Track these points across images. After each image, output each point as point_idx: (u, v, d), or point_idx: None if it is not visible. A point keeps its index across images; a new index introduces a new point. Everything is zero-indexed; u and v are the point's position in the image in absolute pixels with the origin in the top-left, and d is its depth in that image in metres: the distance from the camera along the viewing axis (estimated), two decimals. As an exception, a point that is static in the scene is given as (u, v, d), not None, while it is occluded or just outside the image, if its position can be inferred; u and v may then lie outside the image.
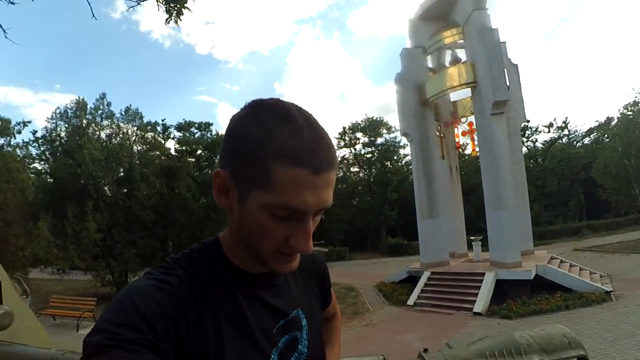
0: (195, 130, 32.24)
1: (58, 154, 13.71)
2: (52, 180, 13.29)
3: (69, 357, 1.14)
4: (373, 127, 32.61)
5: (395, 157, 33.80)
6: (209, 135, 31.96)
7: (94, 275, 12.12)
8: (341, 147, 34.28)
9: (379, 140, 33.39)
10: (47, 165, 15.37)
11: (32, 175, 16.81)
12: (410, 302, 10.39)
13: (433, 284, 10.96)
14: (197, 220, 14.58)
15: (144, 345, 0.42)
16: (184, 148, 28.24)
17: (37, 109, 57.99)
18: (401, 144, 32.12)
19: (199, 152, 29.09)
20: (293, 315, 0.65)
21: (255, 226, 0.52)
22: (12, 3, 5.08)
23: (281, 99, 0.55)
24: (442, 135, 15.12)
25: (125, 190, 14.08)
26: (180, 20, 5.59)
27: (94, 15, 5.13)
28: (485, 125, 11.44)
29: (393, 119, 38.62)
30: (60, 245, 10.26)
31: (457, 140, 16.09)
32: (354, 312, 10.44)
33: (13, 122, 17.31)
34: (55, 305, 9.46)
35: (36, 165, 18.52)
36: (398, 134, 27.48)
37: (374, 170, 33.60)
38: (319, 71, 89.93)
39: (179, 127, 31.87)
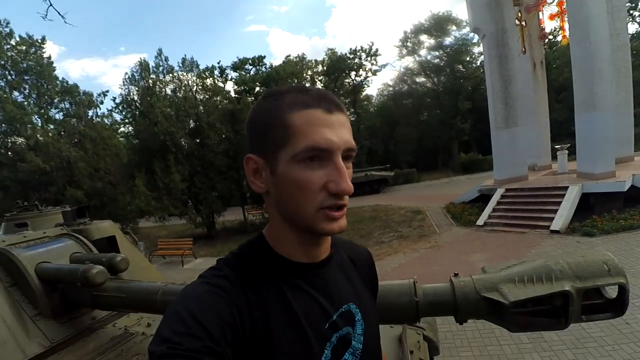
0: (250, 67, 32.40)
1: (136, 116, 15.37)
2: (137, 141, 15.12)
3: (171, 287, 1.52)
4: (439, 25, 28.43)
5: (467, 58, 29.65)
6: (263, 69, 31.94)
7: (187, 219, 14.29)
8: (403, 57, 31.18)
9: (447, 41, 29.30)
10: (131, 128, 17.49)
11: (122, 139, 19.47)
12: (480, 222, 9.99)
13: (507, 201, 10.21)
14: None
15: (205, 352, 0.44)
16: (242, 88, 28.90)
17: (110, 75, 63.51)
18: (474, 40, 27.71)
19: (257, 89, 29.57)
20: (344, 309, 0.64)
21: (292, 187, 0.53)
22: None
23: None
24: (523, 23, 12.54)
25: (197, 141, 15.36)
26: None
27: None
28: (578, 1, 9.02)
29: (463, 11, 32.97)
30: (155, 197, 12.19)
31: (542, 27, 13.26)
32: (419, 234, 10.56)
33: (95, 94, 19.57)
34: (162, 247, 11.44)
35: (122, 129, 21.31)
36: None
37: (442, 77, 30.28)
38: (373, -31, 78.26)
39: (235, 67, 32.32)
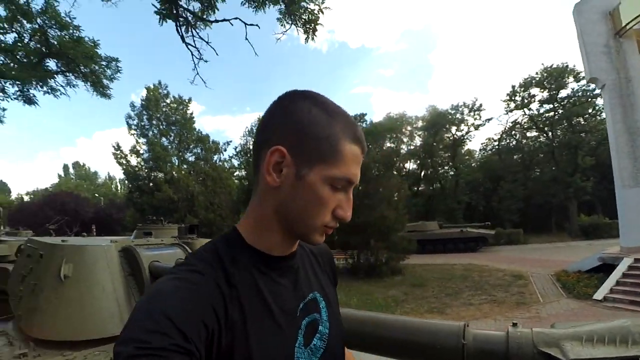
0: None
1: (249, 162, 18.09)
2: (247, 183, 17.58)
3: None
4: (554, 77, 26.25)
5: (590, 110, 26.19)
6: (364, 125, 33.85)
7: None
8: (511, 110, 29.31)
9: (563, 93, 26.61)
10: (244, 172, 20.47)
11: (236, 181, 22.96)
12: (599, 296, 8.28)
13: (635, 274, 8.33)
14: (354, 207, 16.04)
15: (174, 351, 0.42)
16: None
17: (236, 129, 76.03)
18: (597, 91, 24.51)
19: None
20: (310, 297, 0.67)
21: (315, 199, 0.56)
22: (206, 61, 7.41)
23: None
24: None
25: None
26: (316, 36, 6.72)
27: (256, 54, 7.00)
28: None
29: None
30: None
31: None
32: (517, 301, 9.22)
33: (221, 144, 23.92)
34: None
35: (237, 173, 25.18)
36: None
37: (558, 131, 27.15)
38: (477, 28, 78.27)
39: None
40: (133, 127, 23.97)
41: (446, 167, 33.48)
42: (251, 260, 0.60)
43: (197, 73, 7.61)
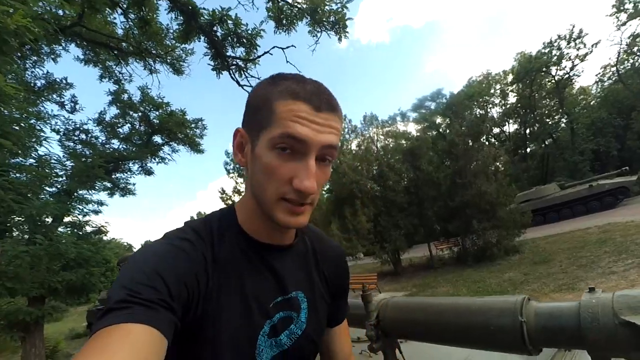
0: (429, 103, 32.73)
1: (331, 174, 18.79)
2: (332, 194, 18.24)
3: None
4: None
5: None
6: (443, 100, 31.53)
7: (374, 257, 15.49)
8: (623, 24, 23.61)
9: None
10: (328, 186, 21.53)
11: (325, 194, 24.15)
12: None
13: None
14: (445, 189, 15.13)
15: (161, 305, 0.46)
16: (423, 125, 29.43)
17: None
18: None
19: (438, 120, 29.27)
20: (292, 295, 0.66)
21: (262, 169, 0.55)
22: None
23: None
24: None
25: (380, 183, 16.94)
26: (347, 33, 6.96)
27: (299, 71, 7.71)
28: None
29: None
30: (346, 238, 14.21)
31: None
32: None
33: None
34: (352, 281, 12.93)
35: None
36: None
37: None
38: None
39: (415, 108, 33.52)
40: (230, 170, 27.42)
41: (555, 117, 28.51)
42: (237, 241, 0.61)
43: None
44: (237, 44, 6.90)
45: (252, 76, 7.66)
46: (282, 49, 7.10)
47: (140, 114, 11.89)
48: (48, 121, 9.05)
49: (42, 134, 7.79)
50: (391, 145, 19.96)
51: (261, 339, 0.61)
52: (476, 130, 15.90)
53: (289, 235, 0.67)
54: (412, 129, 28.63)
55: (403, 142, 19.81)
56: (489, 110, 29.71)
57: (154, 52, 9.85)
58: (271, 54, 7.15)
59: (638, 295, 0.67)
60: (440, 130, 27.30)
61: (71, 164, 8.36)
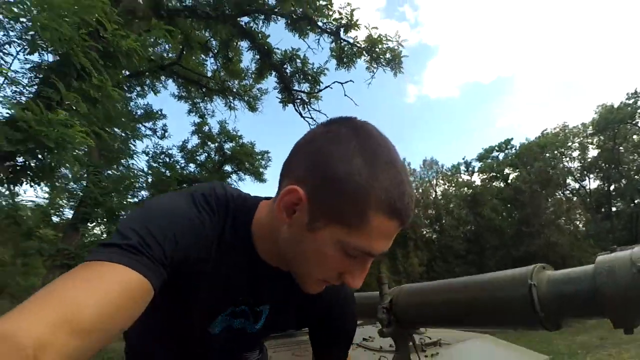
0: (497, 153, 31.28)
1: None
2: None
3: None
4: None
5: None
6: (511, 151, 29.95)
7: None
8: None
9: None
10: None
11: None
12: None
13: None
14: (509, 238, 13.99)
15: (162, 264, 0.48)
16: (488, 175, 28.04)
17: None
18: None
19: (506, 171, 27.63)
20: (259, 309, 0.69)
21: (317, 255, 0.51)
22: None
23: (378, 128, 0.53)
24: None
25: (436, 227, 16.31)
26: (402, 69, 7.44)
27: (356, 104, 8.49)
28: None
29: None
30: (396, 280, 13.65)
31: None
32: None
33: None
34: None
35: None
36: None
37: None
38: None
39: (480, 157, 32.30)
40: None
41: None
42: (241, 245, 0.60)
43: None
44: (303, 80, 7.81)
45: (314, 109, 8.49)
46: (342, 83, 7.87)
47: (216, 144, 13.50)
48: (140, 139, 10.78)
49: (133, 149, 9.46)
50: (451, 191, 19.33)
51: (221, 317, 0.67)
52: (545, 177, 14.80)
53: None
54: (477, 178, 27.45)
55: (465, 189, 19.11)
56: (565, 163, 27.33)
57: (234, 90, 11.42)
58: (331, 88, 7.93)
59: None
60: (509, 181, 25.69)
61: (151, 179, 9.78)
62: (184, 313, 0.64)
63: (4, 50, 3.44)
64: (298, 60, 7.52)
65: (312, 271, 0.55)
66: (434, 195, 18.38)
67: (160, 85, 11.63)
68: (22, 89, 3.75)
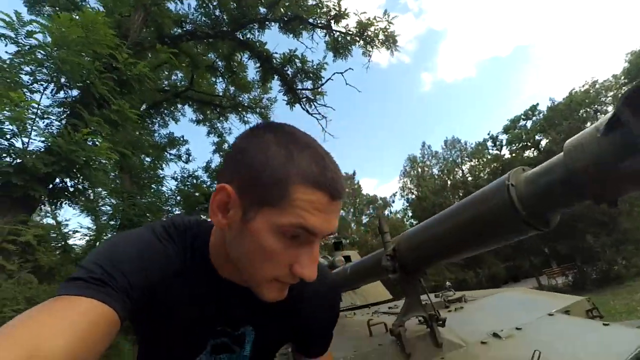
0: (523, 122, 29.89)
1: (412, 200, 18.50)
2: (416, 221, 17.74)
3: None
4: None
5: None
6: (536, 117, 28.54)
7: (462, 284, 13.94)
8: None
9: None
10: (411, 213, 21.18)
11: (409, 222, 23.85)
12: None
13: None
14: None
15: (126, 295, 0.49)
16: (517, 145, 26.85)
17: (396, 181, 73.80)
18: None
19: (536, 137, 26.31)
20: (240, 331, 0.68)
21: (259, 249, 0.51)
22: (330, 120, 9.38)
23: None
24: None
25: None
26: (398, 47, 7.58)
27: (359, 91, 8.46)
28: None
29: None
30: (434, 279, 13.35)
31: None
32: None
33: (387, 197, 25.52)
34: None
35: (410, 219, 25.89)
36: None
37: None
38: None
39: (506, 129, 30.95)
40: (318, 208, 28.90)
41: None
42: (204, 269, 0.61)
43: (324, 130, 9.56)
44: (305, 79, 8.09)
45: (320, 105, 8.73)
46: (341, 73, 8.04)
47: (236, 159, 14.07)
48: (166, 163, 11.52)
49: (162, 174, 10.16)
50: (480, 167, 18.77)
51: (204, 355, 0.66)
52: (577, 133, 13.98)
53: None
54: (506, 152, 26.37)
55: (494, 164, 18.48)
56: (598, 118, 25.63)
57: (245, 105, 11.95)
58: (332, 80, 8.14)
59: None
60: (540, 147, 24.43)
61: (179, 197, 10.47)
62: (167, 353, 0.65)
63: (32, 89, 3.91)
64: (297, 61, 7.81)
65: (261, 271, 0.53)
66: (460, 174, 17.91)
67: (179, 114, 12.42)
68: (52, 120, 4.24)
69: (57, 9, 7.37)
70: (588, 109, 25.71)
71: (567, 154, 0.68)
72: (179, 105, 11.77)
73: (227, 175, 0.54)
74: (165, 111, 11.76)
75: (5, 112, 3.45)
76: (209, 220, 0.63)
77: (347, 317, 2.32)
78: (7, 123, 3.55)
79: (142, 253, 0.54)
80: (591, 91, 27.57)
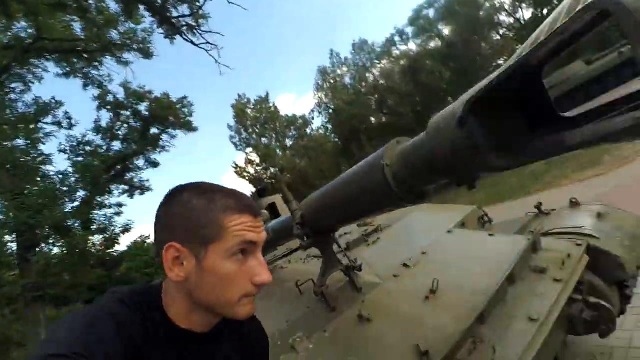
0: (427, 11, 30.00)
1: (331, 114, 18.70)
2: (336, 138, 18.18)
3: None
4: None
5: None
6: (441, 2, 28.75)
7: None
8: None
9: None
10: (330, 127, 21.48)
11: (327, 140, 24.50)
12: None
13: None
14: (450, 95, 14.36)
15: None
16: (422, 39, 27.39)
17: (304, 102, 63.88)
18: None
19: (440, 27, 26.97)
20: None
21: (221, 278, 0.59)
22: (221, 48, 8.28)
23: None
24: None
25: (384, 111, 16.45)
26: None
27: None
28: None
29: None
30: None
31: None
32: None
33: (306, 116, 24.83)
34: None
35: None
36: None
37: None
38: None
39: (411, 21, 30.91)
40: (237, 143, 27.67)
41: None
42: (163, 329, 0.62)
43: (218, 62, 8.56)
44: (179, 3, 6.69)
45: (206, 32, 7.52)
46: None
47: (130, 110, 12.18)
48: (44, 141, 9.57)
49: (45, 154, 8.52)
50: (389, 67, 18.88)
51: None
52: (473, 23, 14.55)
53: (218, 318, 0.67)
54: (414, 46, 26.79)
55: (402, 61, 18.63)
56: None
57: (119, 43, 9.84)
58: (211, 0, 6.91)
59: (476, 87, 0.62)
60: (444, 37, 25.22)
61: (76, 177, 9.07)
62: None
63: None
64: (162, -17, 6.29)
65: (231, 295, 0.60)
66: (372, 79, 18.02)
67: (40, 71, 9.86)
68: None
69: None
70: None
71: (429, 134, 0.70)
72: (36, 61, 9.30)
73: (167, 236, 0.60)
74: (21, 72, 9.25)
75: None
76: (156, 282, 0.69)
77: (282, 268, 2.36)
78: None
79: (101, 330, 0.54)
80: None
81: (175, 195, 0.63)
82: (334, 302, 1.54)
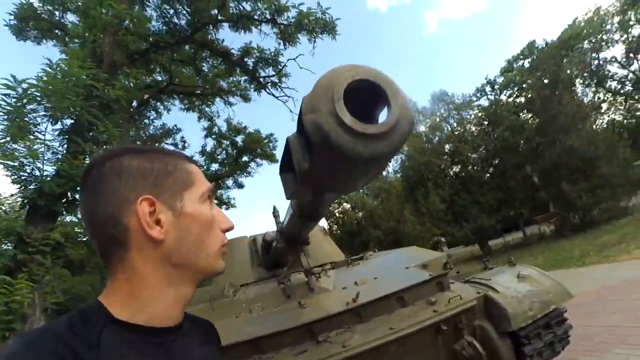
0: (521, 62, 28.62)
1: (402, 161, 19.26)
2: (403, 179, 18.46)
3: None
4: None
5: None
6: (534, 54, 27.24)
7: (449, 238, 14.75)
8: None
9: None
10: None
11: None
12: None
13: None
14: (526, 152, 13.80)
15: None
16: (514, 90, 26.17)
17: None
18: None
19: (530, 81, 25.50)
20: None
21: (204, 224, 0.58)
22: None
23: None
24: None
25: (456, 160, 16.38)
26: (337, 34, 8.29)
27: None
28: None
29: None
30: (420, 222, 14.26)
31: None
32: None
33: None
34: None
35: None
36: None
37: None
38: None
39: (502, 71, 29.73)
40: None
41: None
42: (123, 339, 0.50)
43: (292, 111, 10.46)
44: (266, 66, 8.99)
45: (287, 87, 9.67)
46: (294, 59, 8.89)
47: (229, 140, 15.14)
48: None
49: None
50: (469, 118, 18.92)
51: None
52: (552, 78, 13.72)
53: (182, 309, 0.60)
54: (503, 97, 25.65)
55: (480, 113, 18.44)
56: (608, 49, 23.94)
57: (227, 89, 12.76)
58: (287, 66, 9.06)
59: None
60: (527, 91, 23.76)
61: None
62: None
63: (34, 122, 5.05)
64: (255, 51, 8.69)
65: (213, 243, 0.60)
66: (449, 130, 18.17)
67: (170, 104, 13.41)
68: (56, 148, 5.38)
69: (44, 39, 8.36)
70: (594, 39, 23.93)
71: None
72: (166, 98, 12.77)
73: (135, 192, 0.53)
74: (155, 105, 12.77)
75: (21, 150, 4.65)
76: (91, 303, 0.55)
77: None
78: (24, 160, 4.73)
79: (56, 345, 0.45)
80: (595, 19, 25.74)
81: (114, 158, 0.55)
82: (290, 292, 2.06)
